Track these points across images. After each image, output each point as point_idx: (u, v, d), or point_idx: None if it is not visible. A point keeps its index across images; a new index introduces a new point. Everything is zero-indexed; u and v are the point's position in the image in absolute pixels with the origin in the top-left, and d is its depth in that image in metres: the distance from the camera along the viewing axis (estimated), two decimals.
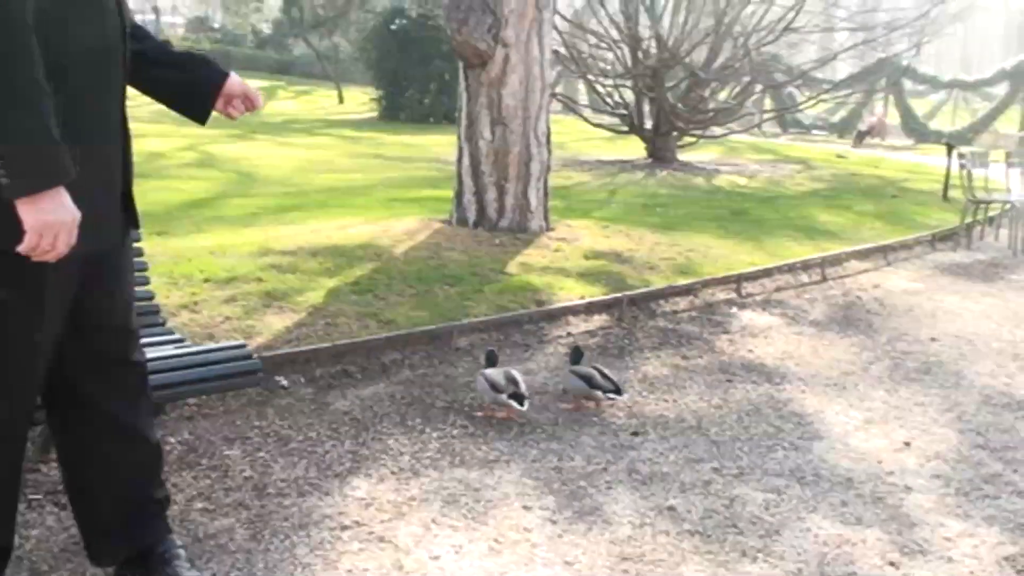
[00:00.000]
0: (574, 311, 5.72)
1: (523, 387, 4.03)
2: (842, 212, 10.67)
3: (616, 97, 16.61)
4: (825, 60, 20.99)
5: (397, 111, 22.92)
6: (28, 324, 2.16)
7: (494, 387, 4.02)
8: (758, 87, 20.08)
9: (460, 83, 7.60)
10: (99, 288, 2.33)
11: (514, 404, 3.96)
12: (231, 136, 15.92)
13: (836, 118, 32.60)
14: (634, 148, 16.55)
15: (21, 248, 1.99)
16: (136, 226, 2.45)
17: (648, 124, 16.31)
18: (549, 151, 7.71)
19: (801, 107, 23.02)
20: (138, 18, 2.42)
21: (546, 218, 7.73)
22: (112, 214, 2.32)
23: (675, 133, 16.22)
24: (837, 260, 7.98)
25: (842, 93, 25.57)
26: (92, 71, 2.17)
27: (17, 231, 1.99)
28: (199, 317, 4.76)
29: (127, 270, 2.48)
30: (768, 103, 28.12)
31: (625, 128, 16.67)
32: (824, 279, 7.46)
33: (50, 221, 2.00)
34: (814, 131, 30.86)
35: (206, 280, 5.38)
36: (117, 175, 2.32)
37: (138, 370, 2.53)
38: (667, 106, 15.69)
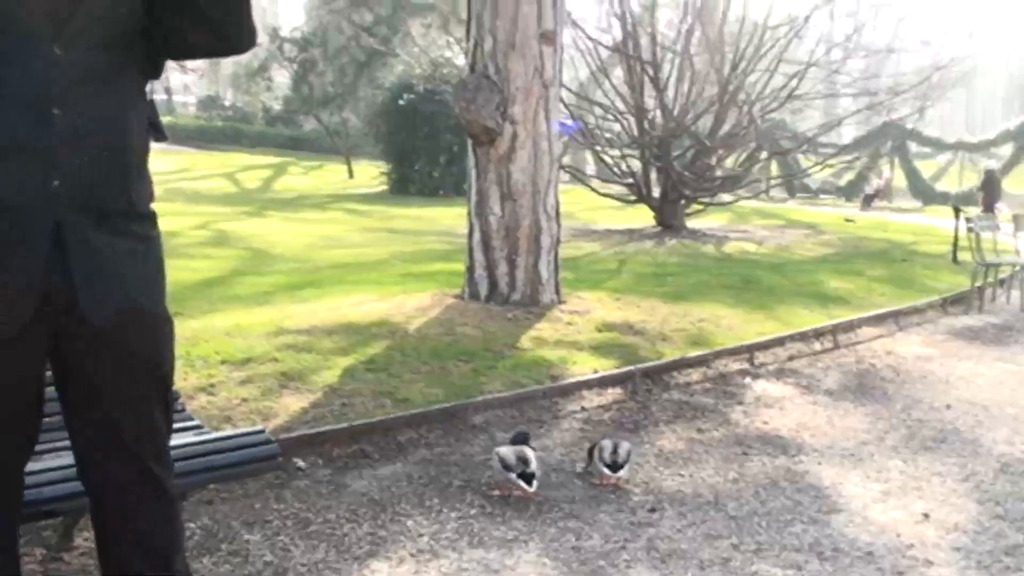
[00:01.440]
0: (588, 385, 5.74)
1: (533, 466, 4.04)
2: (852, 277, 10.71)
3: (623, 166, 16.81)
4: (830, 126, 21.27)
5: (407, 184, 23.20)
6: None
7: (505, 466, 4.04)
8: (764, 153, 20.32)
9: (469, 159, 7.72)
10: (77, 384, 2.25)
11: (522, 484, 3.97)
12: (244, 213, 16.12)
13: (843, 181, 32.84)
14: (643, 216, 16.68)
15: None
16: (85, 313, 2.17)
17: (656, 192, 16.47)
18: (559, 224, 7.79)
19: (807, 173, 23.23)
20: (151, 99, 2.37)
21: (558, 291, 7.78)
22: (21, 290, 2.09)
23: (683, 201, 16.37)
24: (849, 327, 8.00)
25: (848, 157, 25.83)
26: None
27: None
28: (216, 400, 4.80)
29: (129, 385, 2.30)
30: (775, 169, 28.39)
31: (633, 197, 16.83)
32: (836, 346, 7.48)
33: None
34: (822, 195, 31.07)
35: (222, 361, 5.42)
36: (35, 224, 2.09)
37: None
38: (674, 174, 15.86)
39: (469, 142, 7.68)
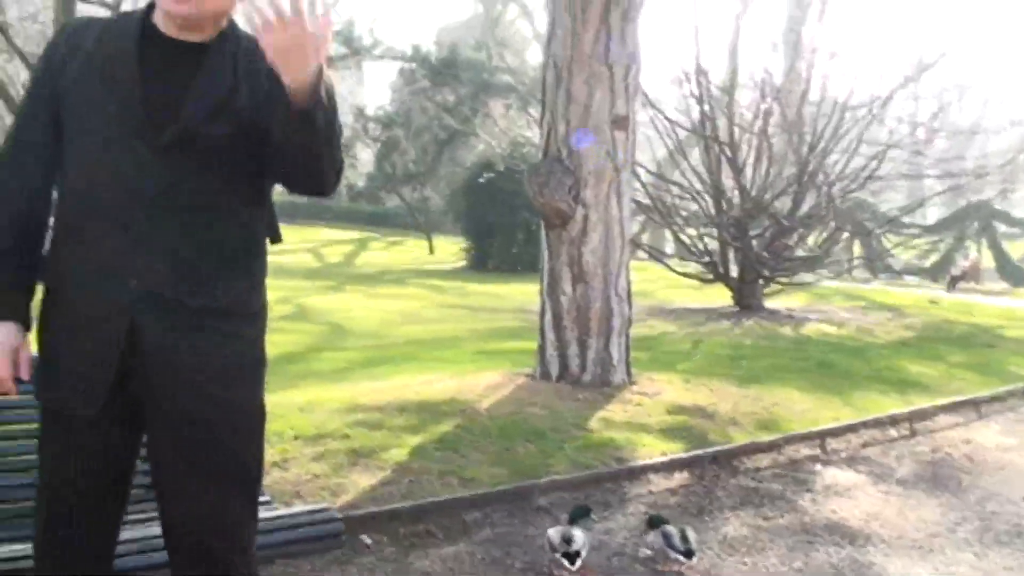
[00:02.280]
0: (654, 469, 5.75)
1: (576, 546, 4.07)
2: (933, 363, 10.52)
3: (701, 245, 16.82)
4: (911, 207, 21.02)
5: (485, 260, 23.51)
6: (48, 480, 2.31)
7: (552, 547, 4.11)
8: (845, 233, 20.13)
9: (542, 241, 7.86)
10: (162, 471, 2.34)
11: (564, 563, 4.01)
12: (325, 288, 16.51)
13: (928, 263, 32.24)
14: (721, 295, 16.60)
15: None
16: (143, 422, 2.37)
17: (734, 272, 16.41)
18: (630, 306, 7.85)
19: (891, 254, 22.93)
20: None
21: (628, 372, 7.82)
22: (94, 381, 2.24)
23: (761, 281, 16.28)
24: (926, 414, 7.85)
25: (932, 238, 25.45)
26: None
27: (37, 387, 2.23)
28: (288, 475, 4.93)
29: (205, 464, 2.35)
30: (857, 248, 28.06)
31: (711, 276, 16.79)
32: (912, 434, 7.34)
33: None
34: (906, 276, 30.53)
35: (296, 437, 5.57)
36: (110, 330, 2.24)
37: None
38: (752, 254, 15.81)
39: (542, 224, 7.83)
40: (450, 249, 26.77)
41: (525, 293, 16.36)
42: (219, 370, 2.28)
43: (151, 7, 2.29)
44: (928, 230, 25.16)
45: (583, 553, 4.06)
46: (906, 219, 21.52)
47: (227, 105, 2.23)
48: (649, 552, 4.40)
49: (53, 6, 16.87)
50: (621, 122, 7.51)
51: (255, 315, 2.39)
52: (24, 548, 2.75)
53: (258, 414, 2.40)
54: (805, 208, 16.76)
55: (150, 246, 2.20)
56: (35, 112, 2.29)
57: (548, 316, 7.70)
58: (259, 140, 2.21)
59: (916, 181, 23.35)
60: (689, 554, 4.18)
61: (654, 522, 4.40)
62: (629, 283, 7.83)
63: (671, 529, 4.29)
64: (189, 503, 2.28)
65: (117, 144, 2.20)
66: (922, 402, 8.09)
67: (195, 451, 2.27)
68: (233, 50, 2.27)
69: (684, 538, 4.23)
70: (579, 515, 4.31)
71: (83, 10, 17.86)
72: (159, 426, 2.29)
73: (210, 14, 2.23)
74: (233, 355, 2.31)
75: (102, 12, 17.65)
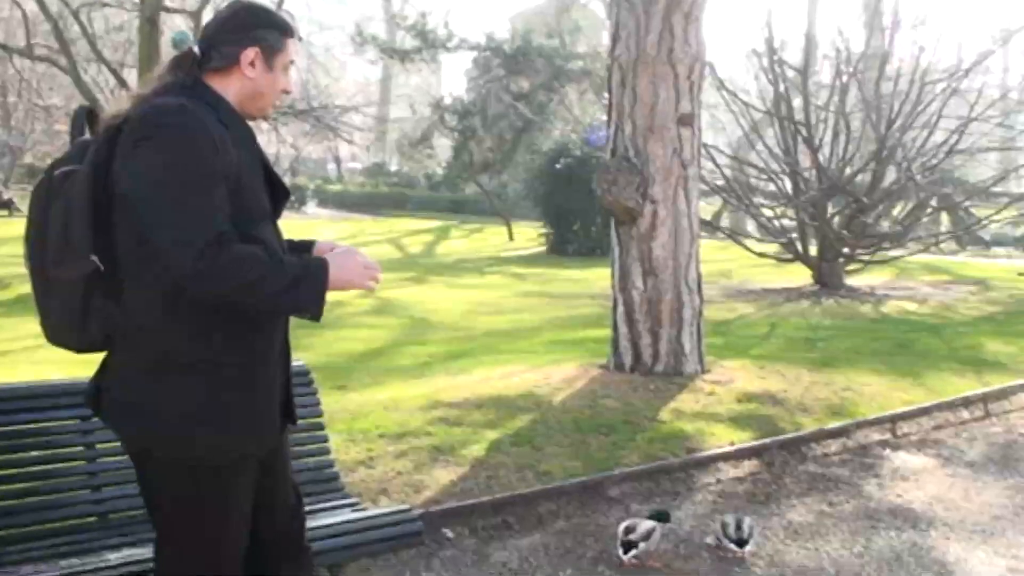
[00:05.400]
0: (723, 458, 5.96)
1: (635, 535, 4.35)
2: (1014, 340, 10.46)
3: (779, 224, 16.81)
4: (999, 177, 20.49)
5: (565, 245, 23.73)
6: (229, 519, 2.57)
7: (616, 537, 4.39)
8: (930, 208, 19.78)
9: (612, 237, 8.09)
10: (270, 475, 2.71)
11: (619, 551, 4.31)
12: (407, 280, 16.91)
13: (1020, 231, 31.42)
14: (802, 273, 16.57)
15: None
16: (294, 423, 2.79)
17: (813, 251, 16.38)
18: (701, 297, 8.03)
19: (981, 224, 22.42)
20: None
21: (701, 361, 8.01)
22: (277, 419, 2.66)
23: (841, 259, 16.22)
24: (1003, 394, 7.88)
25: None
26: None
27: (200, 445, 2.47)
28: (374, 472, 5.28)
29: (288, 455, 2.85)
30: (944, 219, 27.51)
31: (789, 256, 16.77)
32: (987, 415, 7.41)
33: (345, 278, 2.52)
34: (995, 247, 29.82)
35: (381, 435, 5.92)
36: (279, 382, 2.67)
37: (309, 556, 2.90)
38: (831, 233, 15.76)
39: (611, 221, 8.06)
40: (529, 235, 27.05)
41: (604, 277, 16.38)
42: None
43: (196, 86, 2.51)
44: (1019, 199, 24.48)
45: (642, 546, 4.32)
46: (998, 188, 20.89)
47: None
48: (711, 540, 4.64)
49: (139, 17, 17.49)
50: (686, 119, 7.70)
51: None
52: (140, 552, 3.12)
53: None
54: (886, 185, 16.62)
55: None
56: (222, 194, 2.42)
57: (620, 309, 7.93)
58: None
59: (1007, 152, 22.82)
60: (741, 543, 4.39)
61: (657, 517, 4.62)
62: (699, 274, 8.02)
63: (728, 518, 4.52)
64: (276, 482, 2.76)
65: (272, 226, 2.62)
66: (998, 382, 8.13)
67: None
68: None
69: (739, 527, 4.45)
70: (656, 517, 4.56)
71: (167, 19, 18.52)
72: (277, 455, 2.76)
73: None
74: None
75: (183, 23, 18.29)
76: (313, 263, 2.48)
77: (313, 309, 2.44)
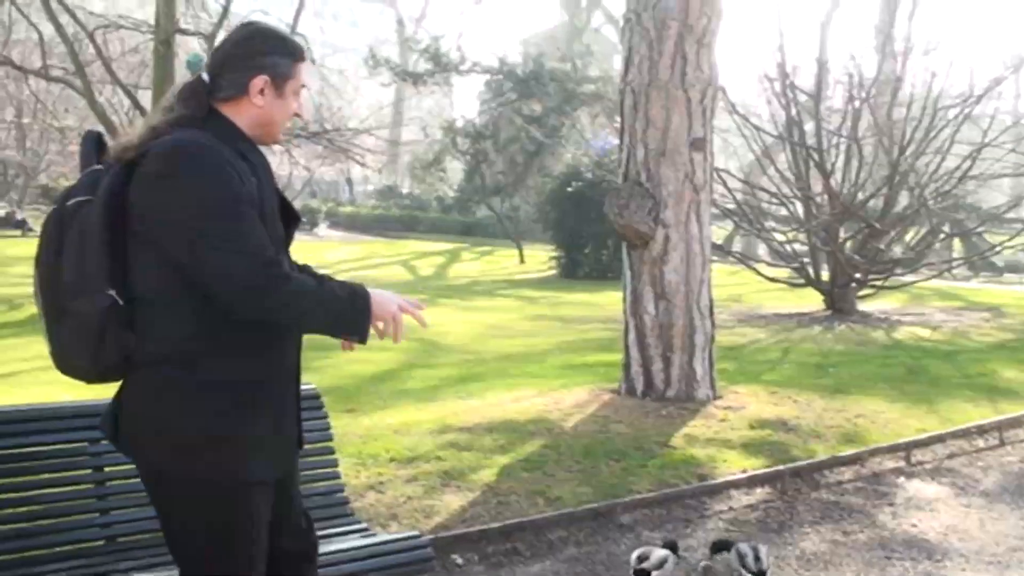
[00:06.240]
0: (736, 485, 5.92)
1: (649, 564, 4.32)
2: None
3: (790, 248, 16.77)
4: (1013, 204, 20.42)
5: (576, 268, 23.70)
6: (248, 542, 2.57)
7: (628, 564, 4.35)
8: (942, 233, 19.72)
9: (624, 261, 8.08)
10: (284, 495, 2.73)
11: None
12: (420, 302, 16.88)
13: None
14: (813, 299, 16.50)
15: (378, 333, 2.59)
16: (301, 446, 2.80)
17: (825, 276, 16.32)
18: (713, 322, 8.01)
19: (994, 251, 22.34)
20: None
21: (713, 386, 7.97)
22: (293, 439, 2.73)
23: (853, 284, 16.15)
24: (1018, 423, 7.81)
25: None
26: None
27: (218, 467, 2.47)
28: (384, 498, 5.26)
29: (298, 479, 2.89)
30: (957, 245, 27.42)
31: (801, 281, 16.71)
32: (1002, 443, 7.34)
33: (384, 312, 2.58)
34: (1008, 273, 29.68)
35: (391, 460, 5.90)
36: (294, 408, 2.72)
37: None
38: (843, 258, 15.71)
39: (623, 245, 8.05)
40: (540, 258, 27.02)
41: (615, 301, 16.36)
42: None
43: (210, 118, 2.53)
44: None
45: (655, 574, 4.29)
46: (1011, 214, 20.83)
47: None
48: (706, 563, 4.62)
49: (154, 39, 17.60)
50: (699, 144, 7.70)
51: None
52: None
53: None
54: (898, 210, 16.57)
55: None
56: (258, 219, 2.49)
57: (632, 335, 7.91)
58: None
59: (1020, 179, 22.74)
60: (762, 574, 4.36)
61: (719, 547, 4.59)
62: (711, 300, 7.99)
63: (745, 548, 4.48)
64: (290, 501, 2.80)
65: (285, 251, 2.64)
66: (1012, 410, 8.06)
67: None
68: None
69: (757, 557, 4.41)
70: (668, 546, 4.53)
71: (182, 41, 18.63)
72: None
73: None
74: None
75: (197, 45, 18.40)
76: (359, 288, 2.55)
77: (360, 332, 2.53)
